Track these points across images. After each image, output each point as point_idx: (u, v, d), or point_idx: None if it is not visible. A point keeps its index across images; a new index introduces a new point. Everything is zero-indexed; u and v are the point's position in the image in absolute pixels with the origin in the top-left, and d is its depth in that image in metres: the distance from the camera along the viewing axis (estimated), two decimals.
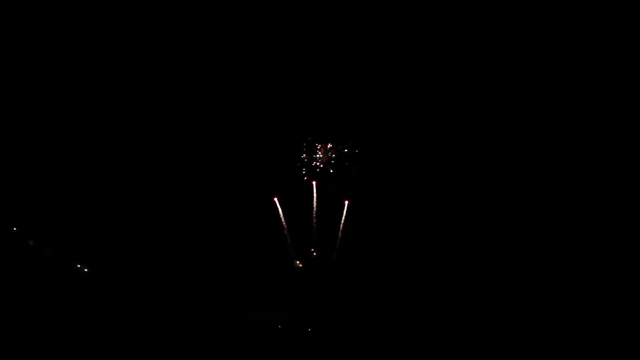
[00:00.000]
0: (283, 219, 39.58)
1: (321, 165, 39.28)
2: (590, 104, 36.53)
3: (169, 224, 38.14)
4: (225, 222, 38.58)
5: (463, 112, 38.35)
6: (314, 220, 39.93)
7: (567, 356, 32.10)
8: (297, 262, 39.98)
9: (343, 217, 39.39)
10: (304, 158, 39.34)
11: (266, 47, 38.23)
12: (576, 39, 35.94)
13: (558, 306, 34.22)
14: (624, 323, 32.39)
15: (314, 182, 39.83)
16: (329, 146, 39.12)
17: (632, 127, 35.60)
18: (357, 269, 38.53)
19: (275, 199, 39.52)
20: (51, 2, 36.17)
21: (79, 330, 33.28)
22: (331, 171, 39.22)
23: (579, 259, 35.31)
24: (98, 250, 36.77)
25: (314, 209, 39.91)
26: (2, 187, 36.05)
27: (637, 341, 31.50)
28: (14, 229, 35.85)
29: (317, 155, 39.32)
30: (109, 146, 38.33)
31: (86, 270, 36.25)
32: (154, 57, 37.98)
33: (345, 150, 39.34)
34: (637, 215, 34.95)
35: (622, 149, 35.90)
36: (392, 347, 34.24)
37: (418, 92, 38.50)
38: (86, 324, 33.71)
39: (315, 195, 39.89)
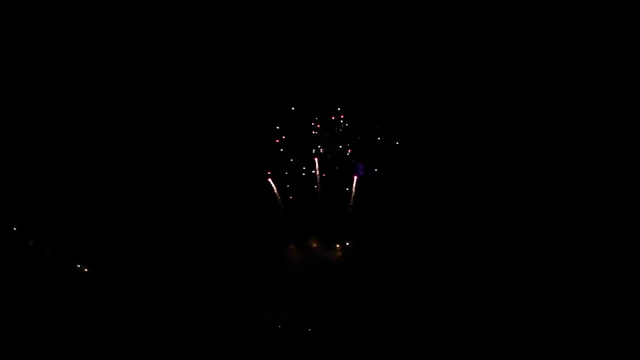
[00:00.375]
0: (282, 206, 35.77)
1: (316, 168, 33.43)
2: (590, 104, 36.61)
3: (167, 223, 38.05)
4: (223, 218, 38.32)
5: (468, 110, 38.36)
6: (318, 205, 35.63)
7: (567, 356, 32.19)
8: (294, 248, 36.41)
9: (351, 200, 35.27)
10: (283, 148, 32.41)
11: (266, 47, 38.29)
12: (576, 39, 36.02)
13: (559, 306, 34.32)
14: (624, 323, 32.47)
15: (316, 159, 35.03)
16: (339, 129, 31.41)
17: (632, 127, 35.67)
18: (360, 265, 38.18)
19: (270, 180, 35.67)
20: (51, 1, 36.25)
21: (79, 330, 33.38)
22: (346, 188, 32.75)
23: (580, 259, 35.40)
24: (98, 250, 36.75)
25: (318, 190, 35.45)
26: (2, 187, 36.05)
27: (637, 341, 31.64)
28: (14, 229, 35.85)
29: (317, 151, 34.21)
30: (109, 145, 38.35)
31: (86, 270, 36.26)
32: (144, 52, 37.84)
33: (378, 139, 32.13)
34: (637, 215, 35.06)
35: (622, 149, 35.98)
36: (392, 348, 34.25)
37: (418, 92, 38.51)
38: (86, 324, 33.81)
39: (317, 173, 35.35)
